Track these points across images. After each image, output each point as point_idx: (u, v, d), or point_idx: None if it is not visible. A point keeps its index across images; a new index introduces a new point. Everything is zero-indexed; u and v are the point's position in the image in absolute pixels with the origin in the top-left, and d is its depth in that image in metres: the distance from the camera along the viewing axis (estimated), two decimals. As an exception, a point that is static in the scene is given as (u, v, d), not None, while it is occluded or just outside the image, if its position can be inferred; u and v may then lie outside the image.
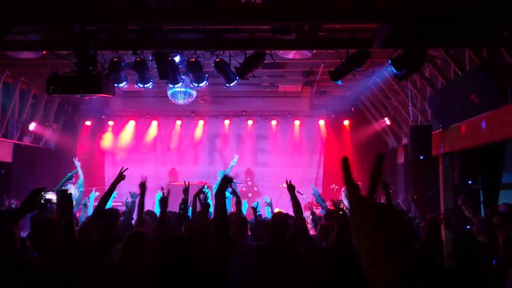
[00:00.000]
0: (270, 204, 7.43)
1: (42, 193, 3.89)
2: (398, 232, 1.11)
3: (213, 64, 7.51)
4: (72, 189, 8.37)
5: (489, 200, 7.48)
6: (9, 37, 6.14)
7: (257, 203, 6.57)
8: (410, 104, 9.90)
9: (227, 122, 13.71)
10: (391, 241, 1.09)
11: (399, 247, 1.09)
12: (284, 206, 8.35)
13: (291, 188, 5.07)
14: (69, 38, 5.44)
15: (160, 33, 6.45)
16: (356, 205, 1.17)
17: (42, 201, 3.99)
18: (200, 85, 8.21)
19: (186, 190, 5.97)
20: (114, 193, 5.24)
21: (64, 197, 3.40)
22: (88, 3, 4.98)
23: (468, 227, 6.75)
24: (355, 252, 1.13)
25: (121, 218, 5.45)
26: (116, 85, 7.15)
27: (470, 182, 8.24)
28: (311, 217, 7.76)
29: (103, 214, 4.81)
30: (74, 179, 9.16)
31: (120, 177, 4.90)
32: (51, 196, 4.08)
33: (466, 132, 7.56)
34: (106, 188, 12.23)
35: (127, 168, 5.05)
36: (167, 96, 9.59)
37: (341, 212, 5.64)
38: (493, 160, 7.64)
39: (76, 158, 10.43)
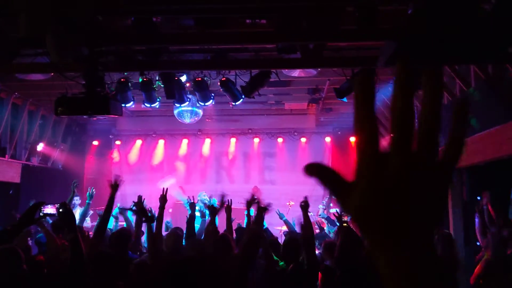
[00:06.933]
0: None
1: (42, 207, 3.81)
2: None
3: (219, 83, 7.57)
4: (79, 210, 8.32)
5: (499, 214, 7.39)
6: (18, 60, 6.24)
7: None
8: (416, 120, 9.86)
9: (233, 140, 13.73)
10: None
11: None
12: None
13: (305, 207, 4.81)
14: (77, 60, 5.51)
15: (166, 53, 6.52)
16: None
17: (41, 214, 3.92)
18: (206, 104, 8.27)
19: (192, 205, 5.94)
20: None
21: (66, 212, 3.21)
22: (96, 26, 5.05)
23: (478, 243, 6.66)
24: (360, 267, 1.16)
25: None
26: (123, 105, 7.21)
27: (478, 198, 8.16)
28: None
29: (116, 235, 4.79)
30: (81, 200, 9.11)
31: (115, 186, 4.61)
32: (50, 210, 3.99)
33: (474, 148, 7.52)
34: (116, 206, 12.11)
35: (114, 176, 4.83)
36: (174, 115, 9.64)
37: (345, 224, 5.45)
38: (502, 175, 7.58)
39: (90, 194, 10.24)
